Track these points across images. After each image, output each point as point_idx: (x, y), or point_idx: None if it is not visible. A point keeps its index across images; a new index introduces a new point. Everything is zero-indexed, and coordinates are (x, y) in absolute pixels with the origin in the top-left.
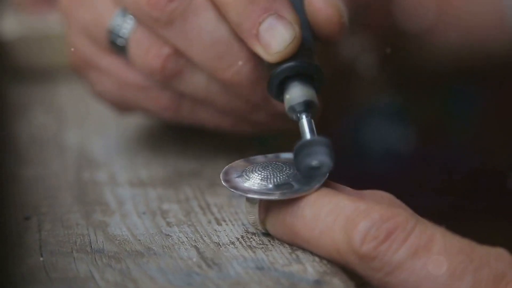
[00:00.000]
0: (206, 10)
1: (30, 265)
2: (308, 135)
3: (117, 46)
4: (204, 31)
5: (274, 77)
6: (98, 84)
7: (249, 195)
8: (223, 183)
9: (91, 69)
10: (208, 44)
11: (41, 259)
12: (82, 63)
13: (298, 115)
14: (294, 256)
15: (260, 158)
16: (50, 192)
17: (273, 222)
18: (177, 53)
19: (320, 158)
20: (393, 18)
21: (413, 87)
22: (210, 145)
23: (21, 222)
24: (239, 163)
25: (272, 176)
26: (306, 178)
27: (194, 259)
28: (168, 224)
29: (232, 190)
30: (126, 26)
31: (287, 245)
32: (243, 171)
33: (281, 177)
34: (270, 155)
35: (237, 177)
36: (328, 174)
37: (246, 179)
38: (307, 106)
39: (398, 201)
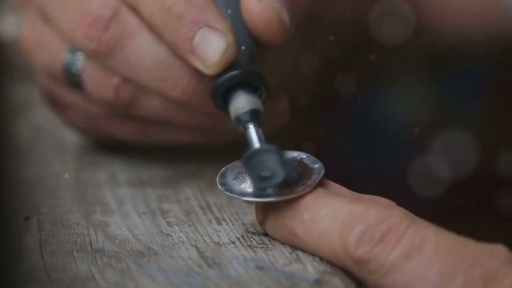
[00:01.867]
0: (142, 34)
1: (31, 265)
2: (256, 144)
3: (74, 83)
4: (143, 55)
5: (216, 89)
6: (70, 119)
7: (245, 199)
8: (219, 187)
9: (61, 106)
10: (150, 67)
11: (42, 259)
12: (50, 100)
13: (245, 124)
14: (294, 255)
15: None
16: (50, 192)
17: (272, 225)
18: (126, 80)
19: (270, 166)
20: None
21: (410, 79)
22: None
23: (21, 222)
24: (236, 164)
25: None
26: (302, 178)
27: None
28: (168, 223)
29: (227, 193)
30: (77, 62)
31: (287, 245)
32: (239, 173)
33: None
34: None
35: (233, 179)
36: (323, 173)
37: (242, 181)
38: (253, 115)
39: (399, 207)
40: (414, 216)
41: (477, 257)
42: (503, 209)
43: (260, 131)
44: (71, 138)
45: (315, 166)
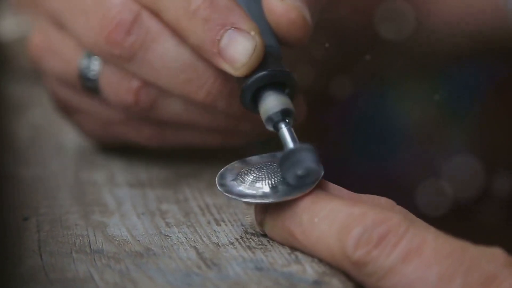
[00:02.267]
0: (165, 38)
1: (29, 265)
2: (291, 144)
3: (90, 88)
4: (167, 59)
5: (245, 91)
6: (83, 125)
7: (244, 200)
8: (218, 188)
9: (73, 112)
10: (174, 70)
11: (40, 259)
12: (64, 107)
13: (277, 125)
14: (293, 256)
15: (255, 158)
16: (49, 193)
17: (271, 226)
18: (147, 84)
19: (307, 165)
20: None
21: (409, 79)
22: (210, 148)
23: (20, 223)
24: (235, 165)
25: (267, 178)
26: (300, 179)
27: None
28: (167, 224)
29: (226, 194)
30: (93, 67)
31: (286, 246)
32: (238, 174)
33: (275, 178)
34: (265, 155)
35: (232, 180)
36: (322, 175)
37: (241, 182)
38: (284, 115)
39: (397, 207)
40: (413, 217)
41: (476, 260)
42: (503, 210)
43: (293, 130)
44: (70, 138)
45: None
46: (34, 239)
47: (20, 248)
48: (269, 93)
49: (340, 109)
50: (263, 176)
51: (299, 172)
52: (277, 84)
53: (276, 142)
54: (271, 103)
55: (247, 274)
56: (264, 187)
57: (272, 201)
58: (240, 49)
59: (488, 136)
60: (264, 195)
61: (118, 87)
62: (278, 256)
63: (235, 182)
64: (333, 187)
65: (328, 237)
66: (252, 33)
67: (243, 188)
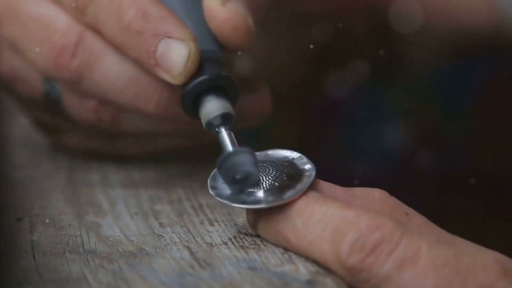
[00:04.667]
0: (108, 55)
1: (23, 266)
2: (229, 148)
3: (56, 109)
4: (112, 76)
5: (185, 97)
6: (63, 141)
7: (235, 205)
8: (210, 191)
9: (51, 130)
10: (121, 87)
11: (34, 260)
12: (41, 127)
13: (217, 129)
14: (286, 256)
15: None
16: (42, 194)
17: (264, 228)
18: (104, 102)
19: (244, 168)
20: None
21: (405, 77)
22: (206, 146)
23: (13, 223)
24: None
25: (259, 181)
26: (292, 180)
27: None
28: (161, 224)
29: (218, 198)
30: (54, 90)
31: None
32: None
33: (267, 181)
34: (258, 153)
35: (224, 182)
36: (314, 176)
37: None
38: (224, 119)
39: (391, 198)
40: (408, 209)
41: (471, 270)
42: (500, 207)
43: (232, 134)
44: None
45: (306, 167)
46: (27, 240)
47: (13, 249)
48: (208, 98)
49: (334, 108)
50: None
51: (237, 175)
52: (217, 88)
53: (270, 138)
54: (210, 108)
55: (240, 274)
56: (255, 190)
57: (264, 206)
58: (175, 57)
59: (482, 135)
60: (256, 200)
61: (79, 107)
62: (271, 256)
63: (226, 185)
64: (325, 184)
65: (321, 241)
66: (187, 39)
67: (235, 192)
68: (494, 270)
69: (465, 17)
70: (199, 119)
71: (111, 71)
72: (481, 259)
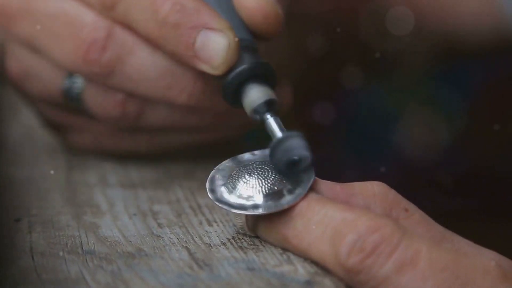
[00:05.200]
0: (140, 49)
1: (21, 266)
2: (279, 133)
3: (75, 106)
4: (144, 69)
5: (227, 87)
6: (74, 140)
7: (234, 211)
8: (208, 194)
9: (63, 130)
10: (153, 79)
11: (32, 260)
12: (53, 126)
13: (263, 116)
14: (285, 256)
15: (247, 156)
16: (40, 194)
17: (264, 229)
18: (131, 95)
19: (298, 152)
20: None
21: (404, 77)
22: (201, 146)
23: (12, 224)
24: (226, 164)
25: (257, 185)
26: (291, 184)
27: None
28: (159, 225)
29: (217, 203)
30: (76, 86)
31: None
32: (228, 178)
33: (266, 185)
34: (257, 152)
35: (222, 184)
36: (313, 179)
37: (232, 189)
38: (269, 105)
39: (391, 193)
40: (408, 204)
41: (471, 274)
42: (500, 207)
43: (279, 119)
44: (62, 139)
45: (305, 168)
46: (26, 240)
47: (11, 249)
48: (250, 86)
49: (333, 107)
50: (253, 182)
51: (292, 158)
52: (257, 76)
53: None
54: (254, 95)
55: (239, 274)
56: (255, 195)
57: (263, 213)
58: (215, 48)
59: (481, 135)
60: (255, 206)
61: (104, 102)
62: (270, 257)
63: (225, 189)
64: (325, 183)
65: (321, 242)
66: (225, 30)
67: (234, 197)
68: (494, 274)
69: (464, 18)
70: (241, 107)
71: (143, 64)
72: (481, 262)
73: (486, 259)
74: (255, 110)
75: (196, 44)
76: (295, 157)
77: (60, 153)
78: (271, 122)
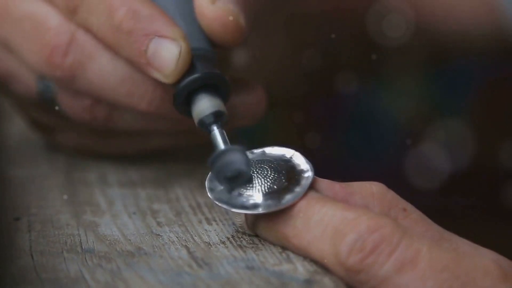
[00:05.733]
0: (100, 54)
1: (21, 265)
2: (221, 146)
3: (51, 108)
4: (105, 74)
5: (177, 96)
6: (59, 140)
7: (234, 210)
8: (208, 194)
9: (47, 129)
10: (114, 85)
11: (32, 259)
12: (37, 126)
13: (208, 127)
14: (284, 255)
15: None
16: (40, 193)
17: (263, 228)
18: (97, 100)
19: (235, 166)
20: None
21: (404, 77)
22: (201, 145)
23: (11, 223)
24: None
25: (257, 184)
26: (290, 183)
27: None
28: (159, 224)
29: (216, 202)
30: (49, 89)
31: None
32: None
33: (266, 184)
34: (256, 151)
35: (216, 180)
36: (312, 177)
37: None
38: (216, 117)
39: (390, 193)
40: (407, 205)
41: (471, 274)
42: (501, 206)
43: (224, 132)
44: None
45: (304, 168)
46: (25, 239)
47: (11, 248)
48: (200, 96)
49: (333, 107)
50: (253, 181)
51: (228, 174)
52: (209, 86)
53: (263, 136)
54: (202, 106)
55: (238, 273)
56: (254, 194)
57: (262, 212)
58: (166, 56)
59: (479, 134)
60: (255, 205)
61: (74, 106)
62: (269, 255)
63: (224, 188)
64: (324, 182)
65: (321, 241)
66: (177, 38)
67: (233, 196)
68: (494, 274)
69: (464, 18)
70: (192, 117)
71: (104, 70)
72: (481, 262)
73: (487, 259)
74: (201, 121)
75: (149, 52)
76: (232, 172)
77: (60, 152)
78: (216, 134)
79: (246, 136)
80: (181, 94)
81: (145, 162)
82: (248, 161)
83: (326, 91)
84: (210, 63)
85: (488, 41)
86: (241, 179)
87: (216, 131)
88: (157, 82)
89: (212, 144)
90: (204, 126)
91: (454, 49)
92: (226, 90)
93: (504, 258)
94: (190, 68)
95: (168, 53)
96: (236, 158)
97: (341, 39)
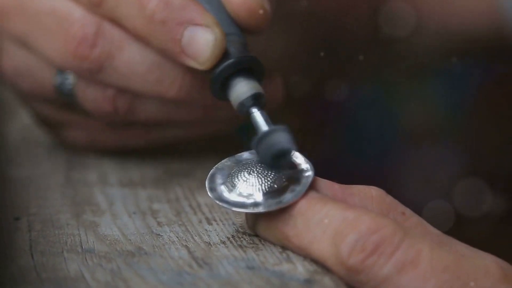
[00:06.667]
0: (129, 44)
1: (21, 265)
2: (264, 127)
3: (68, 102)
4: (134, 64)
5: (214, 81)
6: (69, 137)
7: (234, 209)
8: (208, 193)
9: (58, 127)
10: (143, 73)
11: (32, 259)
12: (47, 123)
13: (249, 110)
14: (284, 255)
15: (246, 155)
16: (40, 193)
17: (264, 227)
18: (121, 90)
19: (283, 145)
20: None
21: (403, 78)
22: (201, 145)
23: (11, 222)
24: (225, 163)
25: (257, 183)
26: (291, 182)
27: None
28: (159, 224)
29: (217, 201)
30: (67, 82)
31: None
32: (228, 176)
33: (266, 183)
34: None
35: (222, 183)
36: (312, 177)
37: (231, 187)
38: (256, 99)
39: (388, 197)
40: (405, 209)
41: (472, 275)
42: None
43: (265, 113)
44: None
45: (305, 167)
46: (25, 239)
47: (11, 248)
48: (237, 80)
49: (334, 109)
50: (253, 181)
51: (275, 153)
52: (244, 70)
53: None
54: (241, 89)
55: (238, 273)
56: (255, 193)
57: (263, 211)
58: (201, 44)
59: (479, 135)
60: (255, 204)
61: (95, 98)
62: (269, 255)
63: (225, 187)
64: (324, 182)
65: (322, 241)
66: (211, 25)
67: (234, 195)
68: (495, 275)
69: (465, 18)
70: (228, 101)
71: (132, 59)
72: (482, 263)
73: (487, 260)
74: (241, 104)
75: (183, 40)
76: (279, 151)
77: (60, 151)
78: (257, 116)
79: (246, 136)
80: (218, 79)
81: (145, 162)
82: (293, 140)
83: (326, 91)
84: (242, 47)
85: (489, 41)
86: (287, 158)
87: (257, 113)
88: (186, 69)
89: (251, 127)
90: (244, 109)
91: (455, 48)
92: (261, 73)
93: (503, 261)
94: (224, 54)
95: (203, 41)
96: (281, 138)
97: (342, 37)
